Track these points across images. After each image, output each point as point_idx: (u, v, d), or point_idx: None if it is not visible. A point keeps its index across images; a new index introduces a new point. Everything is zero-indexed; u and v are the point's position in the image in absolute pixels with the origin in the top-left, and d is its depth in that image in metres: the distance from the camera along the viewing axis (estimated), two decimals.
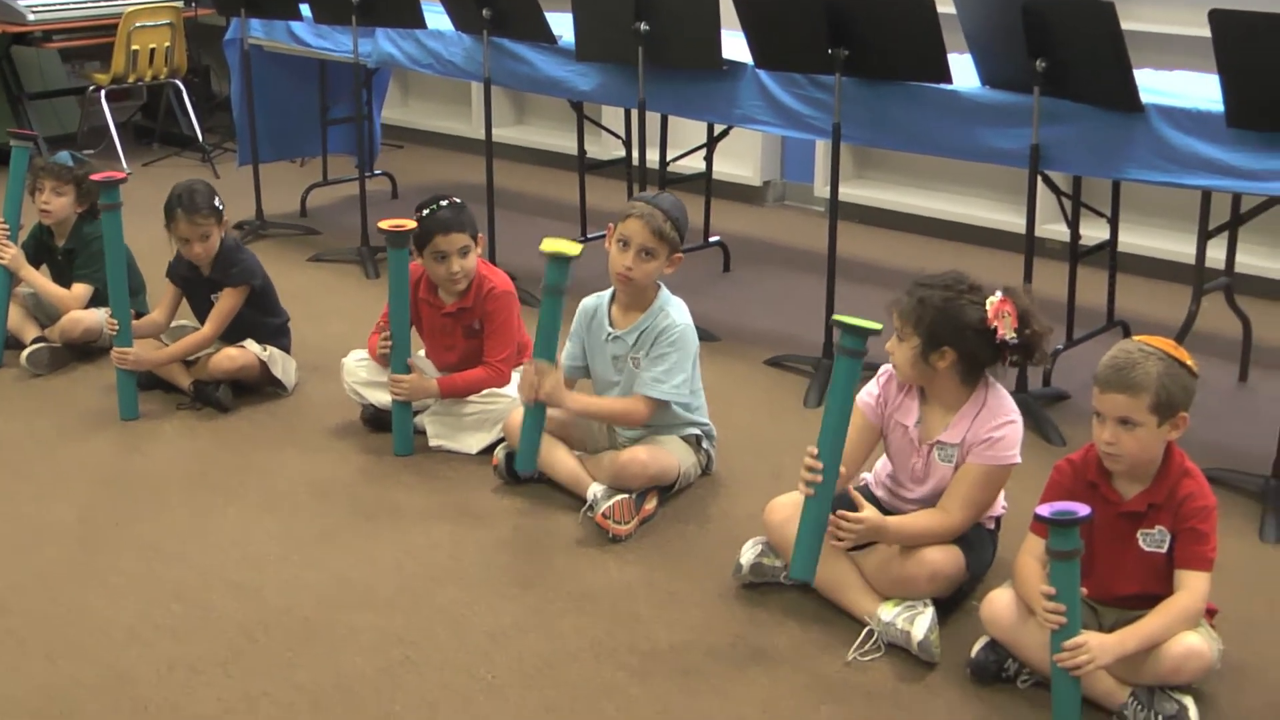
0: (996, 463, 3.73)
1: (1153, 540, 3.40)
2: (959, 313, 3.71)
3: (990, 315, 3.69)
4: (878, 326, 3.60)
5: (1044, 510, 3.20)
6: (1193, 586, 3.35)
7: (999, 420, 3.74)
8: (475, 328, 4.84)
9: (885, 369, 3.92)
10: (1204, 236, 5.24)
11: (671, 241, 4.34)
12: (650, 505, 4.36)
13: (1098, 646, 3.24)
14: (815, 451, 3.64)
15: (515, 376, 4.70)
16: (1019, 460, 3.76)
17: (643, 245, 4.31)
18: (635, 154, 6.15)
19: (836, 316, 3.64)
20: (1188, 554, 3.36)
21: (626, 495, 4.27)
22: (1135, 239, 6.37)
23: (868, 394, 3.90)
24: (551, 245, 4.26)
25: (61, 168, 5.63)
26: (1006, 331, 3.70)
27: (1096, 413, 3.37)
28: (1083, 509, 3.18)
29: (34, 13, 8.71)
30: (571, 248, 4.24)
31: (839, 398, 3.64)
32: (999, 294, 3.72)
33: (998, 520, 3.96)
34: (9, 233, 5.58)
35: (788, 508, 3.83)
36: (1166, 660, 3.31)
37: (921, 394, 3.88)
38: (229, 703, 3.49)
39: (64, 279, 5.73)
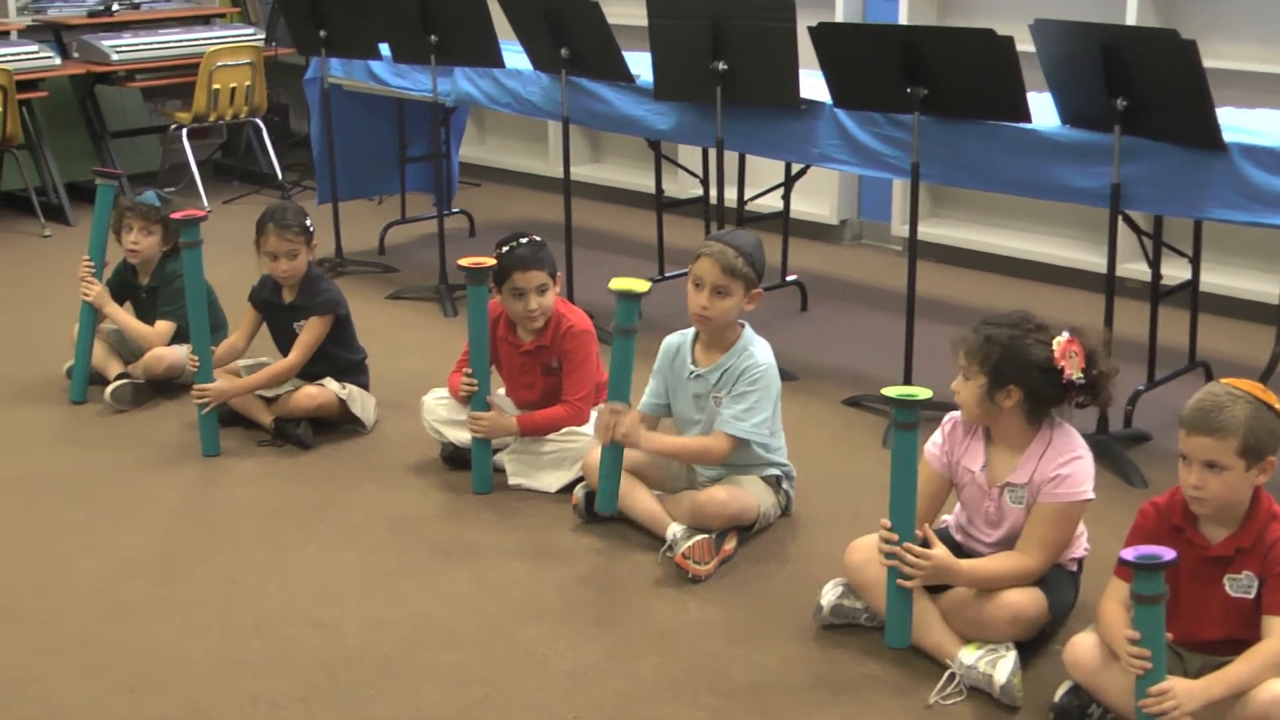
0: (1068, 500, 3.70)
1: (1240, 586, 3.36)
2: (1025, 351, 3.69)
3: (1057, 355, 3.68)
4: (928, 393, 3.59)
5: (1128, 554, 3.17)
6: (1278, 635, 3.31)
7: (1065, 457, 3.72)
8: (554, 366, 4.85)
9: (949, 417, 3.91)
10: None
11: (746, 278, 4.33)
12: (730, 545, 4.35)
13: (1184, 692, 3.20)
14: (889, 524, 3.65)
15: (594, 415, 4.71)
16: (1092, 496, 3.74)
17: (716, 284, 4.32)
18: (712, 192, 6.16)
19: (885, 391, 3.62)
20: (1276, 600, 3.32)
21: (706, 535, 4.27)
22: (1217, 279, 6.31)
23: (933, 444, 3.89)
24: (620, 284, 4.27)
25: (149, 208, 5.70)
26: (1073, 371, 3.68)
27: (1182, 455, 3.33)
28: (1168, 553, 3.15)
29: (118, 53, 8.84)
30: (639, 285, 4.25)
31: (902, 469, 3.63)
32: (1066, 334, 3.71)
33: (1080, 562, 3.93)
34: (94, 270, 5.65)
35: (867, 549, 3.81)
36: (1253, 707, 3.26)
37: (987, 436, 3.86)
38: None
39: (147, 316, 5.80)
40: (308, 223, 5.30)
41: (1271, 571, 3.32)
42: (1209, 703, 3.24)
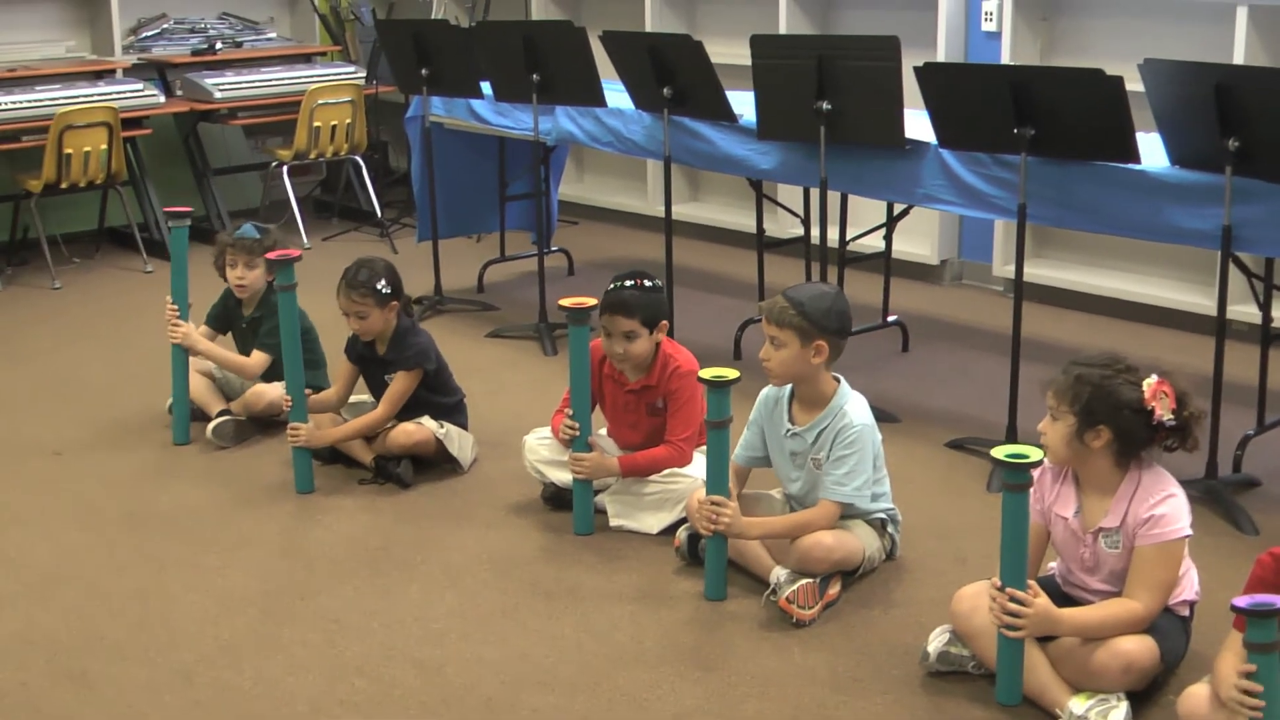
0: (1166, 539, 3.65)
1: None
2: (1116, 391, 3.66)
3: (1148, 396, 3.64)
4: (1039, 454, 3.54)
5: (1242, 602, 3.11)
6: None
7: (1158, 497, 3.67)
8: (659, 406, 4.83)
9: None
10: None
11: (798, 327, 4.29)
12: (834, 590, 4.30)
13: None
14: (999, 584, 3.61)
15: (698, 457, 4.68)
16: (1189, 532, 3.69)
17: (770, 335, 4.33)
18: (814, 232, 6.13)
19: (994, 453, 3.57)
20: None
21: (810, 580, 4.22)
22: None
23: None
24: (710, 373, 4.23)
25: (252, 242, 5.73)
26: (1164, 412, 3.64)
27: None
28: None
29: (220, 91, 8.95)
30: (729, 373, 4.22)
31: (1012, 531, 3.58)
32: (1155, 376, 3.67)
33: (1191, 606, 3.86)
34: (179, 313, 5.67)
35: (974, 597, 3.78)
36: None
37: (1077, 483, 3.82)
38: None
39: (248, 346, 5.83)
40: (380, 285, 5.23)
41: None
42: None
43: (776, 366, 4.35)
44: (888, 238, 6.63)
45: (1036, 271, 7.39)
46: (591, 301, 4.69)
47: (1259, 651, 3.11)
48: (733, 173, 6.44)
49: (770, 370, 4.37)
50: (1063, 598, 3.83)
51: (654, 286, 4.81)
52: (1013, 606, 3.59)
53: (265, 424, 5.76)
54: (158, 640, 4.19)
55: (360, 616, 4.30)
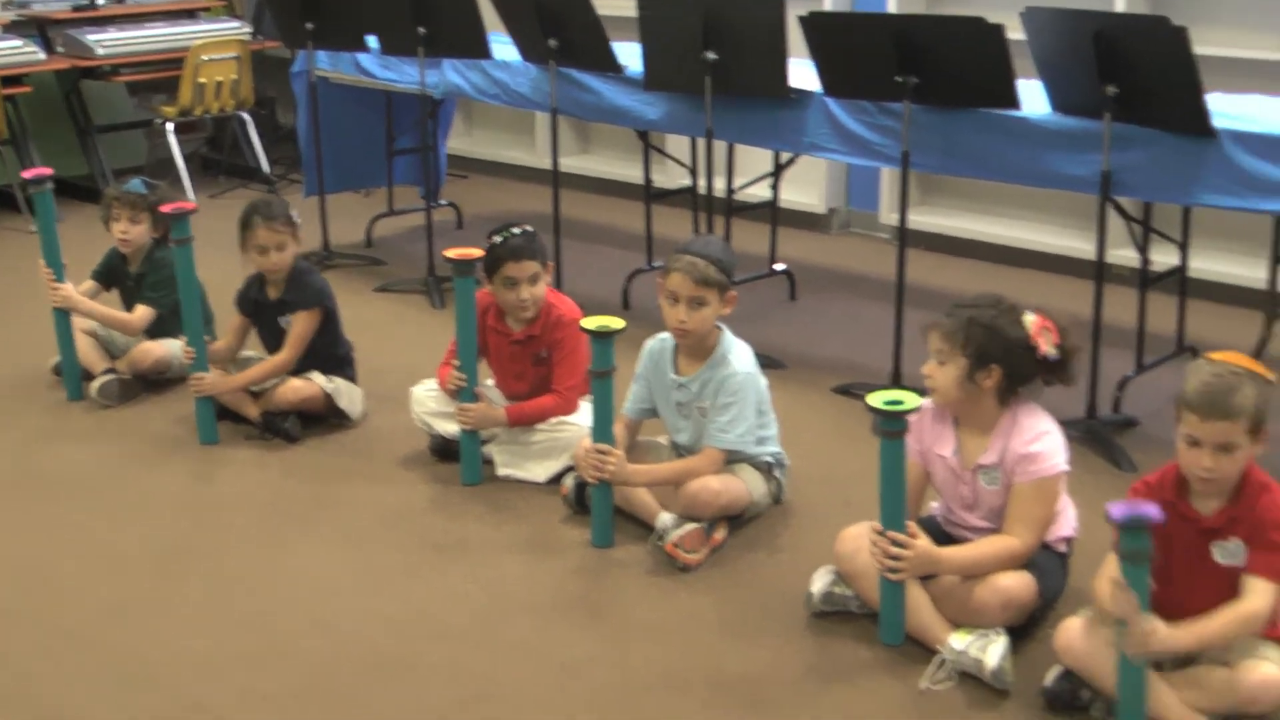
0: (1042, 475, 3.73)
1: (1228, 553, 3.37)
2: (1004, 330, 3.74)
3: (1033, 332, 3.73)
4: (917, 400, 3.59)
5: (1116, 511, 3.18)
6: (1258, 592, 3.31)
7: (1033, 434, 3.75)
8: (543, 356, 4.84)
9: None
10: (1275, 260, 5.22)
11: (719, 284, 4.33)
12: (720, 535, 4.34)
13: (1165, 634, 3.20)
14: (880, 528, 3.67)
15: (585, 406, 4.70)
16: (1066, 468, 3.77)
17: (691, 296, 4.32)
18: (701, 182, 6.15)
19: (869, 400, 3.61)
20: (1259, 562, 3.34)
21: (697, 524, 4.26)
22: (1205, 264, 6.32)
23: None
24: (593, 323, 4.24)
25: (136, 196, 5.67)
26: (1048, 348, 3.73)
27: (1191, 439, 3.33)
28: (1154, 510, 3.16)
29: (103, 47, 8.80)
30: (614, 323, 4.23)
31: (890, 476, 3.64)
32: (1034, 313, 3.77)
33: (1069, 543, 3.93)
34: (54, 275, 5.59)
35: (858, 538, 3.83)
36: (1242, 690, 3.29)
37: (955, 422, 3.88)
38: None
39: (132, 303, 5.77)
40: (294, 214, 5.28)
41: (1259, 537, 3.34)
42: (1176, 649, 3.28)
43: (698, 327, 4.36)
44: (774, 187, 6.67)
45: (922, 219, 7.46)
46: (477, 253, 4.69)
47: (1132, 561, 3.18)
48: (620, 124, 6.44)
49: (690, 332, 4.37)
50: (944, 537, 3.90)
51: (534, 231, 4.84)
52: (893, 550, 3.64)
53: (153, 384, 5.71)
54: (46, 602, 4.16)
55: (251, 572, 4.29)
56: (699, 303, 4.33)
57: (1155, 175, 4.85)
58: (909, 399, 3.58)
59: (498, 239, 4.77)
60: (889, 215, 7.55)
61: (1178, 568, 3.41)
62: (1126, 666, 3.20)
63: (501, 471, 4.83)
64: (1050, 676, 3.55)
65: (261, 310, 5.35)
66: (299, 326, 5.24)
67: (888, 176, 7.53)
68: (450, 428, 4.87)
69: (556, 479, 4.73)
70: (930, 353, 3.80)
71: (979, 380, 3.74)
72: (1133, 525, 3.12)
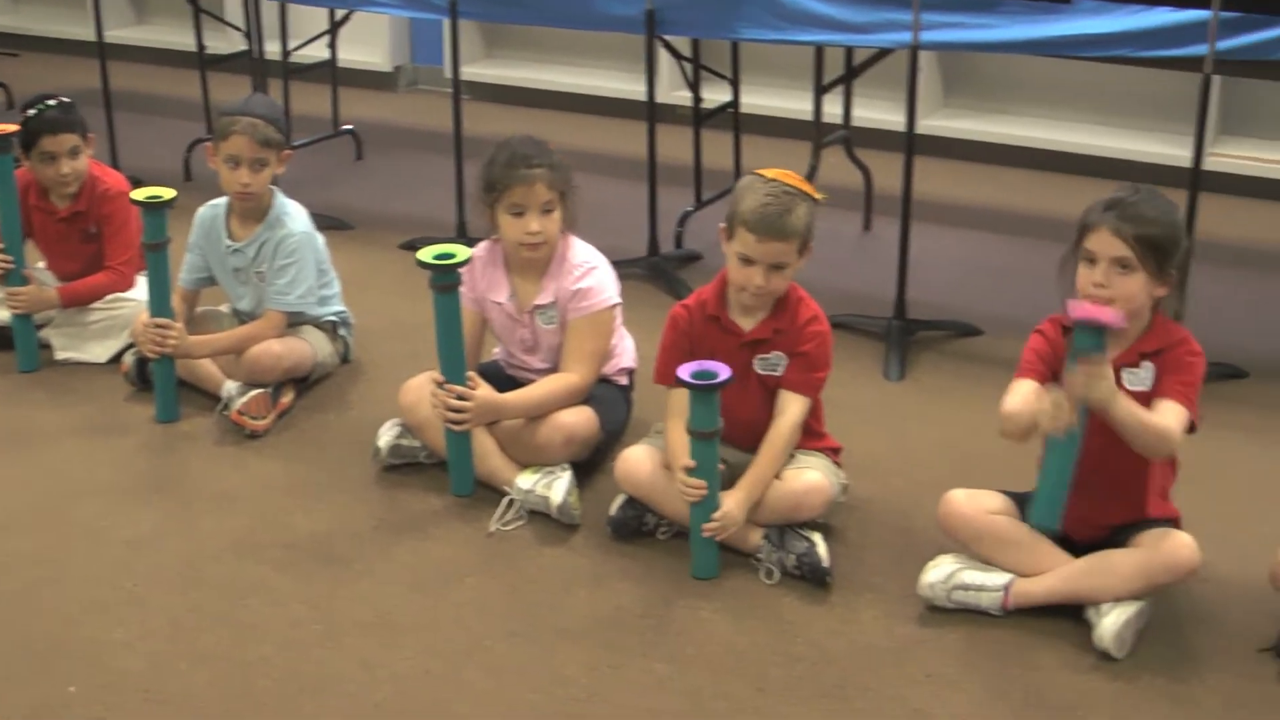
0: (594, 310, 3.83)
1: (768, 364, 3.53)
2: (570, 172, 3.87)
3: None
4: (467, 253, 3.61)
5: (684, 373, 3.28)
6: (790, 410, 3.50)
7: (579, 271, 3.84)
8: (93, 232, 4.68)
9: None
10: (819, 91, 5.40)
11: (278, 144, 4.28)
12: (287, 398, 4.30)
13: (734, 507, 3.39)
14: (441, 380, 3.68)
15: (141, 280, 4.56)
16: (618, 300, 3.88)
17: (254, 158, 4.24)
18: (257, 46, 6.01)
19: (419, 256, 3.59)
20: (794, 379, 3.51)
21: (262, 390, 4.21)
22: (757, 99, 6.49)
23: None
24: (143, 193, 4.12)
25: None
26: None
27: (745, 258, 3.43)
28: (724, 371, 3.27)
29: None
30: (165, 193, 4.12)
31: (446, 329, 3.65)
32: None
33: (630, 375, 4.03)
34: None
35: (420, 389, 3.84)
36: (788, 498, 3.45)
37: (507, 266, 3.92)
38: None
39: None
40: None
41: (797, 351, 3.50)
42: (753, 504, 3.44)
43: (261, 186, 4.29)
44: (331, 45, 6.56)
45: (488, 71, 7.48)
46: (11, 128, 4.48)
47: (700, 439, 3.30)
48: None
49: (254, 193, 4.28)
50: (508, 380, 3.94)
51: (70, 102, 4.67)
52: (454, 402, 3.67)
53: None
54: None
55: None
56: (261, 164, 4.25)
57: (698, 11, 4.96)
58: (460, 251, 3.59)
59: (31, 112, 4.58)
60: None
61: None
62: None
63: (60, 355, 4.66)
64: (615, 506, 3.64)
65: None
66: None
67: (450, 30, 7.47)
68: (2, 315, 4.67)
69: (118, 357, 4.60)
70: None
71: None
72: (703, 389, 3.24)
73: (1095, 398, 2.98)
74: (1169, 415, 3.13)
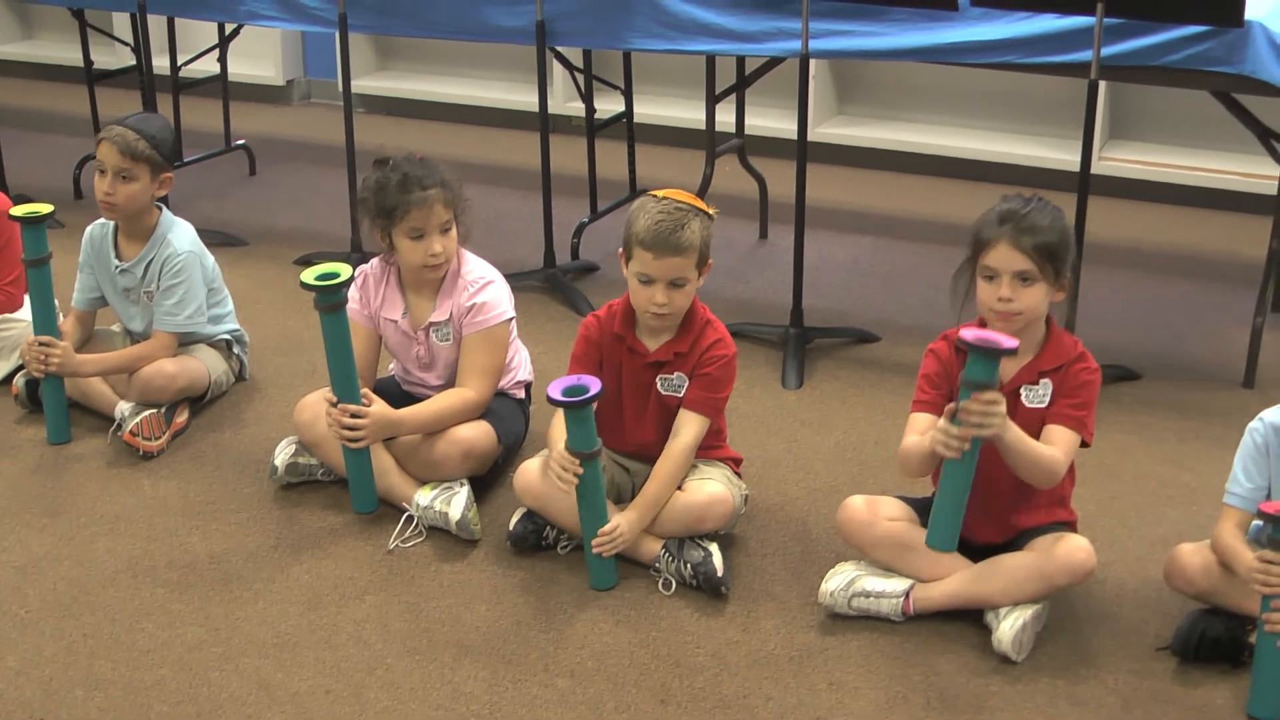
0: (489, 325, 3.81)
1: (670, 385, 3.53)
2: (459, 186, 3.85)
3: None
4: (348, 270, 3.57)
5: (554, 390, 3.28)
6: (686, 430, 3.50)
7: (474, 287, 3.82)
8: None
9: (360, 270, 3.91)
10: (712, 100, 5.42)
11: (151, 161, 4.20)
12: (182, 418, 4.25)
13: (626, 529, 3.41)
14: (335, 399, 3.65)
15: (27, 302, 4.49)
16: (512, 314, 3.87)
17: (118, 168, 4.18)
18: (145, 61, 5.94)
19: (303, 278, 3.53)
20: (694, 398, 3.51)
21: (155, 410, 4.15)
22: (650, 109, 6.51)
23: (352, 302, 3.87)
24: (22, 209, 4.06)
25: None
26: None
27: (644, 277, 3.43)
28: (595, 384, 3.27)
29: None
30: (42, 208, 4.06)
31: (335, 348, 3.61)
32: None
33: (527, 388, 4.03)
34: None
35: (316, 405, 3.80)
36: (692, 509, 3.45)
37: (400, 284, 3.91)
38: None
39: None
40: None
41: (699, 373, 3.50)
42: (645, 524, 3.47)
43: (125, 201, 4.20)
44: (222, 60, 6.50)
45: (380, 84, 7.46)
46: None
47: (585, 459, 3.31)
48: (49, 2, 6.15)
49: (116, 206, 4.21)
50: (404, 397, 3.92)
51: None
52: (349, 420, 3.64)
53: None
54: None
55: None
56: (127, 176, 4.18)
57: (588, 22, 4.95)
58: (343, 270, 3.55)
59: None
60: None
61: (628, 401, 3.57)
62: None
63: None
64: (514, 519, 3.64)
65: None
66: None
67: (340, 43, 7.43)
68: None
69: (8, 379, 4.52)
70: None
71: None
72: (575, 404, 3.25)
73: (988, 430, 3.01)
74: (1059, 443, 3.19)
